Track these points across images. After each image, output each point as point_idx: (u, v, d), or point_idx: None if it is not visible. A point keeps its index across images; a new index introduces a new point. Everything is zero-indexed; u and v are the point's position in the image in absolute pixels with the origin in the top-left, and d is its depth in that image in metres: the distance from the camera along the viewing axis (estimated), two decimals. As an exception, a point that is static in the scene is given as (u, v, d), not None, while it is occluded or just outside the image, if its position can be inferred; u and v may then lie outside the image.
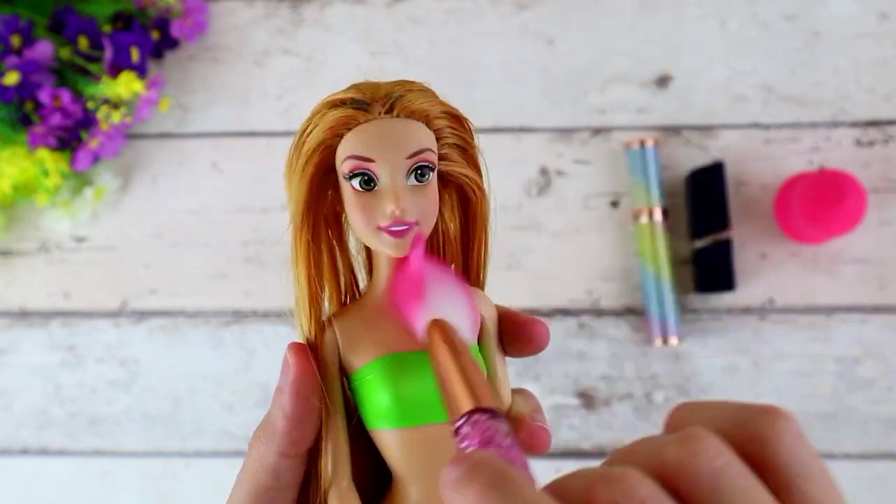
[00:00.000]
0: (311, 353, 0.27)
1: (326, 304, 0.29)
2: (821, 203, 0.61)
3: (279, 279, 0.68)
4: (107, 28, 0.66)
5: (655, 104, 0.68)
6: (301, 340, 0.28)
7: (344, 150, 0.26)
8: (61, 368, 0.68)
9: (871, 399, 0.65)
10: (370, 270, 0.29)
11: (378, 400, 0.26)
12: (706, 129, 0.68)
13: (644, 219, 0.65)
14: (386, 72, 0.69)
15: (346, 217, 0.28)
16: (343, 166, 0.26)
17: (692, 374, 0.65)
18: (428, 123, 0.27)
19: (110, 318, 0.68)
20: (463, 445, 0.22)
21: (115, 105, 0.64)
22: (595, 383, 0.66)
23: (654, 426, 0.65)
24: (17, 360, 0.69)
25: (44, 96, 0.61)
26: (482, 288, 0.30)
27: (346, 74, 0.74)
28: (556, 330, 0.66)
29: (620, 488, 0.18)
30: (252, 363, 0.68)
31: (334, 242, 0.29)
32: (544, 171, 0.68)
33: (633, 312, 0.66)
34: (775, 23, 0.69)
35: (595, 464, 0.69)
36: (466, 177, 0.28)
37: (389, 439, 0.26)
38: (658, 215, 0.65)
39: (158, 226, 0.69)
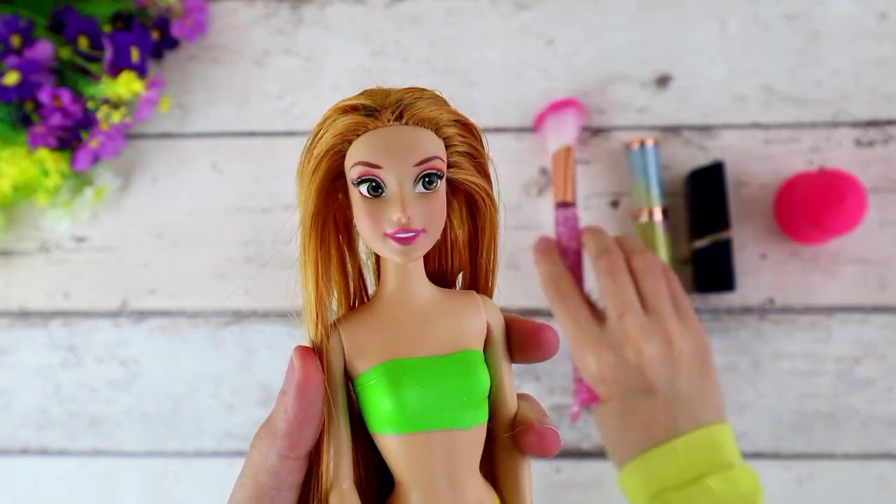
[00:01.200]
0: (317, 357, 0.27)
1: (335, 306, 0.29)
2: (821, 203, 0.61)
3: (279, 279, 0.68)
4: (107, 28, 0.66)
5: (655, 104, 0.68)
6: (307, 343, 0.28)
7: (352, 156, 0.26)
8: (61, 368, 0.68)
9: (871, 399, 0.65)
10: (378, 275, 0.29)
11: (380, 405, 0.27)
12: (706, 129, 0.68)
13: (644, 218, 0.65)
14: (386, 72, 0.69)
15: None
16: (351, 172, 0.26)
17: (692, 374, 0.65)
18: (437, 131, 0.27)
19: (110, 318, 0.68)
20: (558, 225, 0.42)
21: (115, 105, 0.64)
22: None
23: (654, 426, 0.65)
24: (16, 360, 0.69)
25: (44, 96, 0.61)
26: (490, 296, 0.30)
27: (347, 74, 0.74)
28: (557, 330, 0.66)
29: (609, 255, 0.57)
30: (252, 363, 0.68)
31: (344, 247, 0.29)
32: (544, 171, 0.68)
33: (633, 312, 0.66)
34: (775, 23, 0.69)
35: (594, 464, 0.68)
36: (475, 185, 0.28)
37: (392, 444, 0.27)
38: (658, 215, 0.65)
39: (158, 226, 0.69)
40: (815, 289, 0.66)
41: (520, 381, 0.66)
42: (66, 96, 0.62)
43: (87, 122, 0.64)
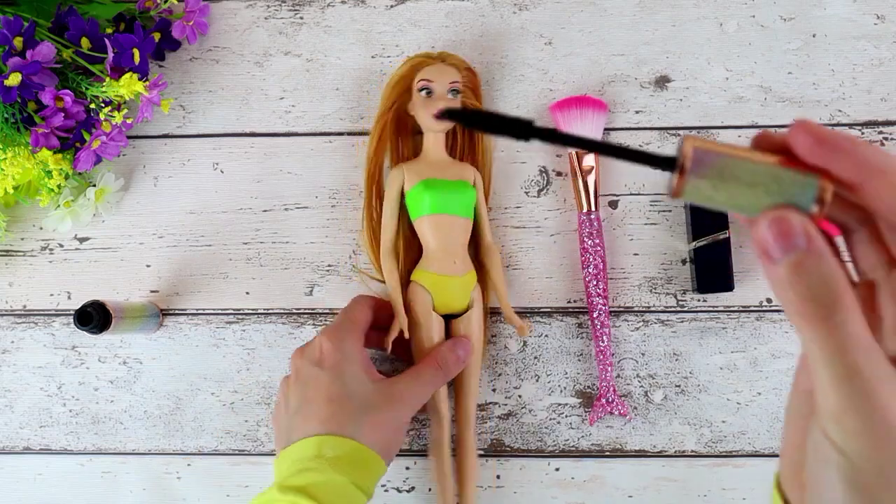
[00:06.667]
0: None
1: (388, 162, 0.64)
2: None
3: (280, 279, 0.69)
4: (109, 29, 0.67)
5: (654, 105, 0.69)
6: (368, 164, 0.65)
7: (419, 76, 0.62)
8: (63, 368, 0.69)
9: (869, 398, 0.65)
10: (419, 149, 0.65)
11: (422, 198, 0.60)
12: (705, 130, 0.68)
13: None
14: (386, 74, 0.70)
15: (413, 116, 0.64)
16: (417, 84, 0.62)
17: (690, 373, 0.66)
18: (459, 71, 0.64)
19: (112, 318, 0.69)
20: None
21: (116, 106, 0.64)
22: (595, 383, 0.66)
23: (652, 425, 0.66)
24: (19, 359, 0.69)
25: (46, 97, 0.62)
26: (484, 168, 0.66)
27: (347, 76, 0.75)
28: (556, 329, 0.67)
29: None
30: (253, 363, 0.68)
31: (403, 130, 0.66)
32: (544, 171, 0.68)
33: (632, 312, 0.67)
34: (773, 24, 0.69)
35: (594, 464, 0.69)
36: (471, 97, 0.66)
37: (426, 221, 0.61)
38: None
39: (160, 226, 0.69)
40: (812, 288, 0.66)
41: (518, 380, 0.66)
42: (68, 97, 0.62)
43: (89, 122, 0.64)
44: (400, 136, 0.65)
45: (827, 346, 0.25)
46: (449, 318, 0.62)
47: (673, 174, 0.27)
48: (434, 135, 0.62)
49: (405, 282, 0.62)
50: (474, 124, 0.29)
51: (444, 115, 0.30)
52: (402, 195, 0.63)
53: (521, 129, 0.28)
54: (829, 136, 0.26)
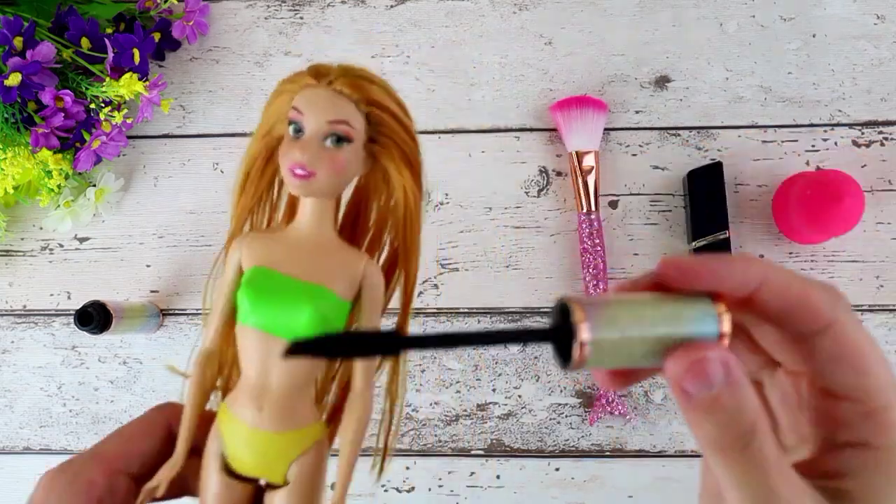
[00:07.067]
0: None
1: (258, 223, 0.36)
2: (818, 203, 0.61)
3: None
4: (109, 30, 0.67)
5: (654, 105, 0.69)
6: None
7: (294, 102, 0.32)
8: (63, 368, 0.69)
9: (869, 398, 0.65)
10: (291, 208, 0.36)
11: (242, 297, 0.32)
12: (704, 130, 0.68)
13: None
14: (387, 74, 0.70)
15: None
16: (289, 114, 0.33)
17: (691, 373, 0.66)
18: (358, 105, 0.32)
19: (112, 318, 0.69)
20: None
21: (116, 106, 0.64)
22: (595, 383, 0.66)
23: (653, 425, 0.66)
24: (19, 359, 0.69)
25: (46, 97, 0.62)
26: (408, 281, 0.35)
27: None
28: (556, 329, 0.67)
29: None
30: (253, 363, 0.68)
31: (276, 182, 0.35)
32: (544, 171, 0.68)
33: (632, 312, 0.67)
34: (773, 24, 0.69)
35: (593, 464, 0.68)
36: (396, 173, 0.33)
37: (241, 333, 0.32)
38: None
39: (160, 226, 0.69)
40: (812, 288, 0.66)
41: (518, 381, 0.66)
42: (68, 97, 0.62)
43: (89, 122, 0.64)
44: (275, 186, 0.36)
45: (745, 474, 0.25)
46: (265, 487, 0.34)
47: (570, 343, 0.24)
48: (310, 200, 0.33)
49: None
50: (331, 354, 0.25)
51: (291, 352, 0.24)
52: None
53: (387, 344, 0.25)
54: (689, 264, 0.27)
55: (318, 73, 0.33)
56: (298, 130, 0.32)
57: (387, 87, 0.33)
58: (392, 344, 0.25)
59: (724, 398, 0.25)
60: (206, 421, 0.33)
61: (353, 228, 0.36)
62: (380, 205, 0.35)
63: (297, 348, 0.25)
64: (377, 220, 0.35)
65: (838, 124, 0.68)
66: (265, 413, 0.33)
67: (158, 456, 0.33)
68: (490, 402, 0.67)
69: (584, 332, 0.24)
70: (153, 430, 0.34)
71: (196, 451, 0.33)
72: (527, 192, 0.68)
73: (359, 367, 0.33)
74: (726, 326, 0.26)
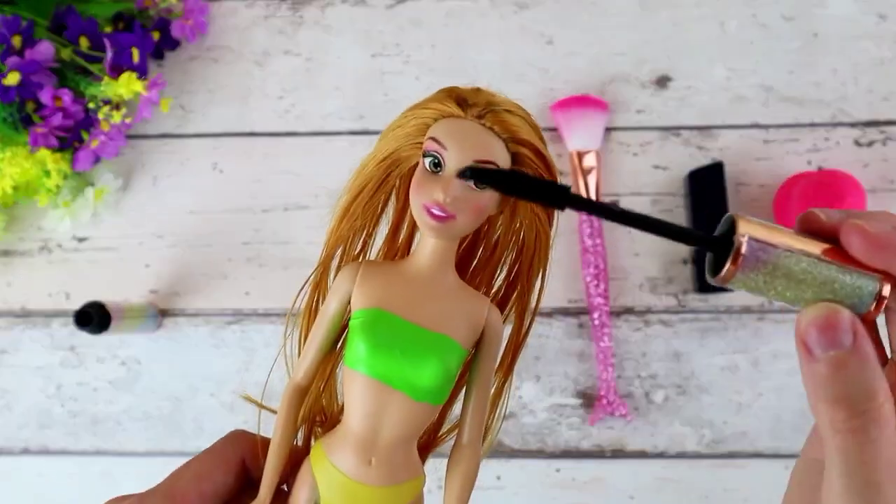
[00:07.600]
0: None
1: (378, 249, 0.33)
2: (820, 203, 0.61)
3: (280, 279, 0.68)
4: (108, 29, 0.67)
5: (655, 104, 0.68)
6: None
7: (431, 131, 0.29)
8: (62, 368, 0.68)
9: (870, 398, 0.65)
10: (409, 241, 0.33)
11: (357, 341, 0.29)
12: (706, 130, 0.68)
13: None
14: (387, 73, 0.70)
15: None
16: (426, 143, 0.29)
17: (691, 373, 0.66)
18: (508, 145, 0.29)
19: (111, 318, 0.68)
20: None
21: (115, 105, 0.64)
22: (596, 383, 0.66)
23: (653, 425, 0.66)
24: (18, 359, 0.69)
25: (45, 97, 0.61)
26: (520, 320, 0.32)
27: (347, 75, 0.74)
28: (557, 330, 0.67)
29: None
30: (252, 363, 0.68)
31: (401, 205, 0.32)
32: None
33: (633, 312, 0.66)
34: (774, 24, 0.69)
35: (595, 464, 0.68)
36: (533, 213, 0.30)
37: (354, 380, 0.29)
38: None
39: (159, 226, 0.69)
40: (814, 289, 0.66)
41: (519, 381, 0.66)
42: (66, 97, 0.62)
43: (88, 122, 0.64)
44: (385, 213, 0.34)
45: (853, 458, 0.23)
46: None
47: (724, 259, 0.25)
48: (433, 241, 0.30)
49: (305, 444, 0.34)
50: (506, 187, 0.25)
51: (466, 174, 0.25)
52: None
53: (559, 197, 0.25)
54: (886, 240, 0.25)
55: (464, 103, 0.29)
56: (437, 165, 0.28)
57: (530, 120, 0.30)
58: (564, 199, 0.25)
59: (847, 367, 0.23)
60: (288, 458, 0.31)
61: (466, 261, 0.33)
62: (504, 239, 0.32)
63: (475, 173, 0.25)
64: (495, 255, 0.32)
65: (840, 124, 0.67)
66: (373, 467, 0.30)
67: (232, 493, 0.31)
68: (490, 403, 0.66)
69: (741, 256, 0.25)
70: (226, 465, 0.32)
71: (278, 493, 0.31)
72: (527, 192, 0.68)
73: (471, 415, 0.31)
74: (882, 301, 0.25)
